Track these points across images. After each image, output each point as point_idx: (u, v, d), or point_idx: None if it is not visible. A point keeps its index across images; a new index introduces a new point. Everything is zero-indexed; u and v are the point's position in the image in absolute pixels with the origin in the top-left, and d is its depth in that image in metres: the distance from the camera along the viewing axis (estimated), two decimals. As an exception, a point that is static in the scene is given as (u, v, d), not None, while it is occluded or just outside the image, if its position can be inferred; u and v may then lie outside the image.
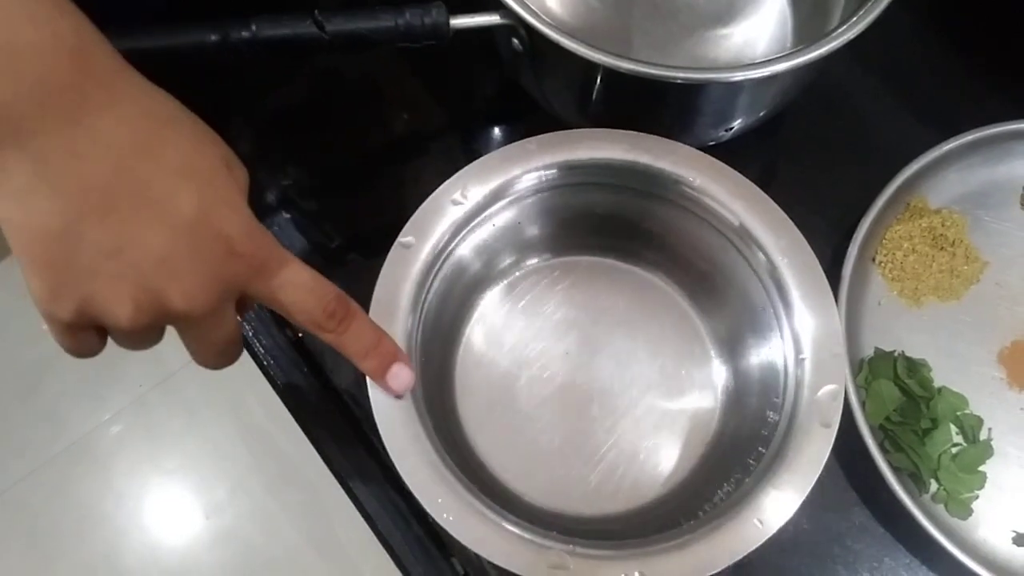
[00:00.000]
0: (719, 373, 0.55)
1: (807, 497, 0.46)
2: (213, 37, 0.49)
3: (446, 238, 0.51)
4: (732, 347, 0.55)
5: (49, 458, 1.43)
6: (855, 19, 0.53)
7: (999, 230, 0.62)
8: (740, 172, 0.53)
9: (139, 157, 0.34)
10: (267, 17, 0.50)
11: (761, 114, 0.60)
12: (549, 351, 0.56)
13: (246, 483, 1.41)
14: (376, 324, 0.45)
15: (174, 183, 0.35)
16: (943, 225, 0.60)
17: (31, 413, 1.45)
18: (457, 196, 0.51)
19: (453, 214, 0.51)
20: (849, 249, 0.58)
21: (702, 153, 0.53)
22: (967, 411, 0.57)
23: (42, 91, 0.32)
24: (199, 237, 0.35)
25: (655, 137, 0.53)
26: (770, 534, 0.44)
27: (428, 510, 0.43)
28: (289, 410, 0.58)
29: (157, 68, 0.51)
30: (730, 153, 0.59)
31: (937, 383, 0.57)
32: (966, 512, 0.55)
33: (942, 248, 0.60)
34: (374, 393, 0.46)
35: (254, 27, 0.49)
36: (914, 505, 0.52)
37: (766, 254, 0.51)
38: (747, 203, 0.52)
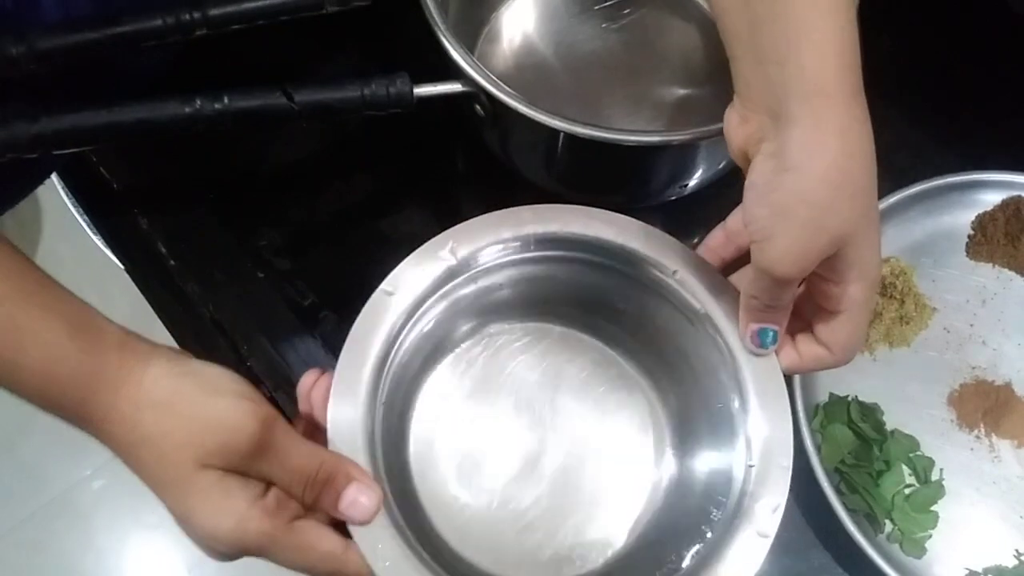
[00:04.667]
0: (669, 460, 0.54)
1: None
2: (187, 110, 0.51)
3: (426, 293, 0.51)
4: (685, 437, 0.55)
5: (30, 514, 1.42)
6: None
7: (945, 277, 0.65)
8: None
9: (127, 460, 0.43)
10: (239, 89, 0.52)
11: (719, 167, 0.63)
12: (503, 418, 0.55)
13: (228, 536, 1.41)
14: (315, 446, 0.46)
15: (155, 491, 0.43)
16: (892, 274, 0.63)
17: (12, 468, 1.44)
18: (444, 252, 0.52)
19: (436, 270, 0.51)
20: (802, 299, 0.60)
21: (687, 248, 0.53)
22: (919, 453, 0.59)
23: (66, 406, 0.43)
24: (191, 531, 0.43)
25: (641, 224, 0.53)
26: None
27: (370, 562, 0.44)
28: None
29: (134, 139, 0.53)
30: (688, 208, 0.61)
31: (889, 426, 0.59)
32: (920, 551, 0.57)
33: (891, 296, 0.63)
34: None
35: (226, 99, 0.52)
36: (870, 545, 0.54)
37: (729, 350, 0.51)
38: (716, 295, 0.52)
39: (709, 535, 0.48)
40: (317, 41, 0.71)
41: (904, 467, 0.58)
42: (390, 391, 0.50)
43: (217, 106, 0.52)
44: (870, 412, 0.59)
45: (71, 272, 1.26)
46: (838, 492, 0.56)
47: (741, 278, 0.51)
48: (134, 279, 0.67)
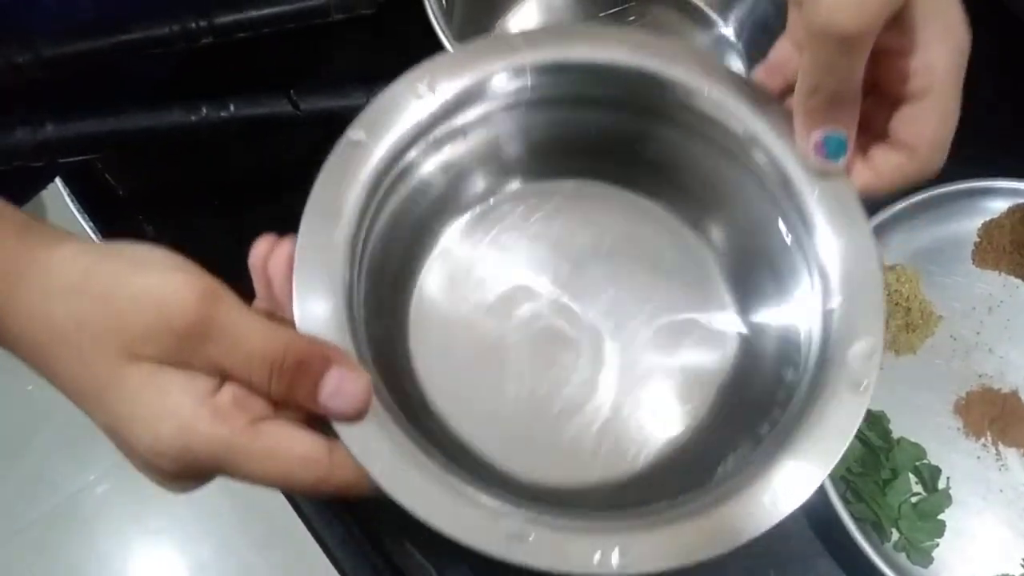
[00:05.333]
0: (730, 320, 0.46)
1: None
2: (192, 118, 0.51)
3: (406, 140, 0.42)
4: (747, 290, 0.46)
5: (34, 519, 1.42)
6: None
7: (951, 284, 0.64)
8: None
9: (42, 370, 0.35)
10: (244, 97, 0.53)
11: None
12: (525, 291, 0.46)
13: (231, 542, 1.41)
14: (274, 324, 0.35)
15: (78, 403, 0.35)
16: (898, 281, 0.63)
17: (16, 473, 1.45)
18: (422, 88, 0.42)
19: (416, 111, 0.42)
20: (808, 306, 0.60)
21: (716, 61, 0.46)
22: (925, 461, 0.59)
23: None
24: (127, 449, 0.35)
25: (658, 39, 0.45)
26: (782, 516, 0.36)
27: (362, 463, 0.35)
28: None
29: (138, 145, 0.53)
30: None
31: (896, 434, 0.59)
32: (927, 560, 0.56)
33: (897, 304, 0.62)
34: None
35: (232, 107, 0.52)
36: (876, 554, 0.54)
37: (787, 177, 0.42)
38: (762, 111, 0.43)
39: (788, 401, 0.40)
40: (322, 48, 0.71)
41: (911, 475, 0.58)
42: (376, 263, 0.42)
43: (223, 114, 0.52)
44: (876, 420, 0.59)
45: (75, 277, 1.26)
46: (844, 501, 0.56)
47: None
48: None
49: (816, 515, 0.58)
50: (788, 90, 0.42)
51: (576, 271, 0.46)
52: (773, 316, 0.44)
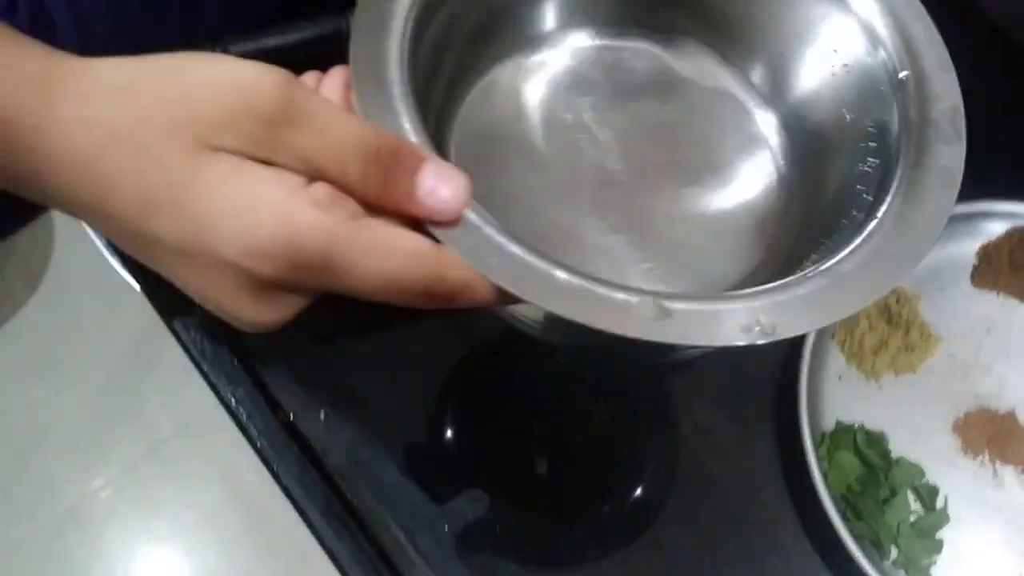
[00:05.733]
0: (766, 122, 0.47)
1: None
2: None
3: None
4: (794, 102, 0.47)
5: (39, 526, 1.43)
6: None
7: (950, 306, 0.66)
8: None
9: (88, 197, 0.30)
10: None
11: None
12: (581, 136, 0.46)
13: (236, 549, 1.42)
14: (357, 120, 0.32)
15: (133, 216, 0.30)
16: (897, 303, 0.64)
17: (22, 480, 1.46)
18: None
19: None
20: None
21: None
22: (924, 480, 0.60)
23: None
24: (201, 262, 0.30)
25: None
26: (924, 256, 0.37)
27: (474, 261, 0.32)
28: (281, 489, 0.60)
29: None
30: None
31: (895, 454, 0.60)
32: (925, 577, 0.58)
33: (897, 325, 0.64)
34: None
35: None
36: (875, 571, 0.55)
37: None
38: None
39: (881, 191, 0.39)
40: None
41: (909, 494, 0.59)
42: (426, 78, 0.40)
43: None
44: (876, 440, 0.60)
45: (82, 291, 1.27)
46: (844, 519, 0.57)
47: None
48: (150, 299, 0.68)
49: (816, 533, 0.59)
50: None
51: (630, 121, 0.47)
52: (831, 115, 0.45)
